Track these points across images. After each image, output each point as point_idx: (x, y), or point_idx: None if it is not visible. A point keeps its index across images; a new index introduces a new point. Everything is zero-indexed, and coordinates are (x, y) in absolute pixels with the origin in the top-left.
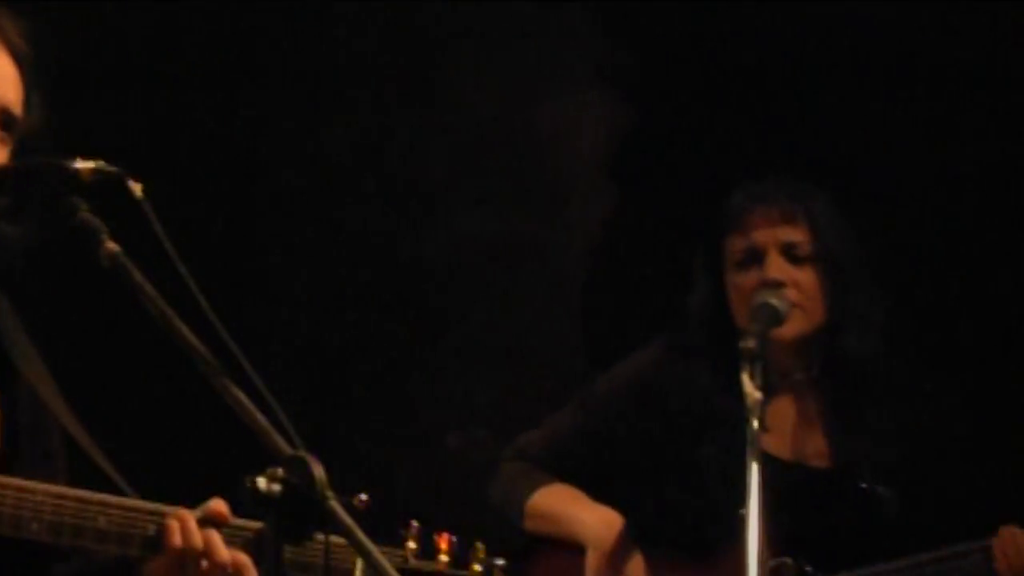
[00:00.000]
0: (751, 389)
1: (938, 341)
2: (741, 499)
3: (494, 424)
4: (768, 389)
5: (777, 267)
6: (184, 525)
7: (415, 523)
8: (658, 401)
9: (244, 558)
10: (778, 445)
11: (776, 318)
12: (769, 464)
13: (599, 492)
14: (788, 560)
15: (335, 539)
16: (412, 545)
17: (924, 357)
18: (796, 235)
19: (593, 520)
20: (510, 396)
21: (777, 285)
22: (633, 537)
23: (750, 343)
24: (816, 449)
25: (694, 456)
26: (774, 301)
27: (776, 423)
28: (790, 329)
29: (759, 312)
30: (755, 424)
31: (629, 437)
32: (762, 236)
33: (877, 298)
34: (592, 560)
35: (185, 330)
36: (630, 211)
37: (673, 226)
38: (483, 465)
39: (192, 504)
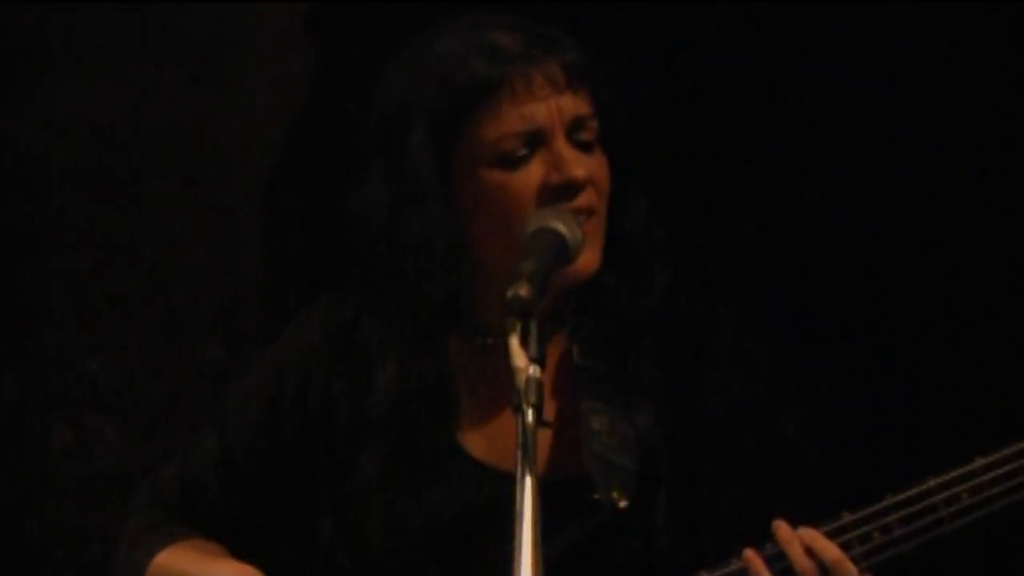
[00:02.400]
0: (523, 362)
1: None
2: (421, 540)
3: (119, 407)
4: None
5: (575, 159)
6: None
7: None
8: (319, 397)
9: None
10: (486, 446)
11: (563, 252)
12: (477, 475)
13: (246, 540)
14: None
15: None
16: None
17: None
18: (582, 106)
19: None
20: (144, 359)
21: (577, 190)
22: None
23: (522, 290)
24: (552, 442)
25: (368, 476)
26: (561, 227)
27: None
28: (585, 262)
29: (540, 242)
30: (529, 415)
31: (280, 454)
32: (544, 111)
33: (657, 207)
34: None
35: None
36: (323, 84)
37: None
38: (107, 469)
39: None
